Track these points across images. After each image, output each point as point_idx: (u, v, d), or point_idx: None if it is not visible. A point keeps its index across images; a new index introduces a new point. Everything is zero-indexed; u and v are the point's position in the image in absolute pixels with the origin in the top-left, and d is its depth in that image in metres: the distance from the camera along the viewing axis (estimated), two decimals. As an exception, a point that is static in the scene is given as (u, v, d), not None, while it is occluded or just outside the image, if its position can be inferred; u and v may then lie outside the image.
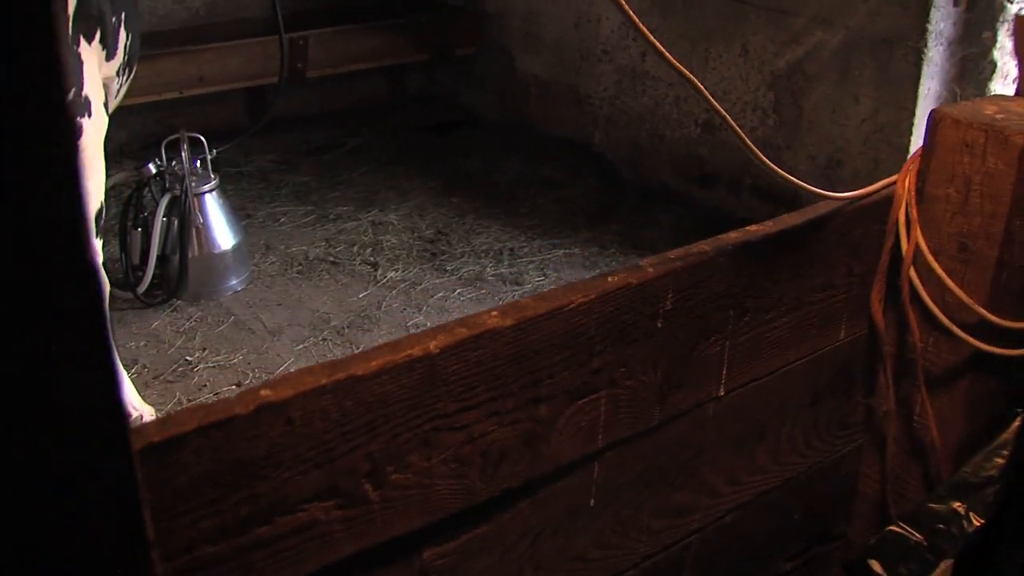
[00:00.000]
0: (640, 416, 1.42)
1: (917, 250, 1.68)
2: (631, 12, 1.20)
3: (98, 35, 3.09)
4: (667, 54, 1.23)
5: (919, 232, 1.68)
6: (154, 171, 4.35)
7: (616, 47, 5.13)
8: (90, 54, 3.06)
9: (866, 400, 1.81)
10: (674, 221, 4.85)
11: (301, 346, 4.08)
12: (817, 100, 4.35)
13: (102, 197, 3.25)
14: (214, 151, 4.51)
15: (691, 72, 4.33)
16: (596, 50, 5.23)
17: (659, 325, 1.38)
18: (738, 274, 1.47)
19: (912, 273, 1.69)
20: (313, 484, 1.13)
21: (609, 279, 1.32)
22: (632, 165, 5.22)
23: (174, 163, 4.38)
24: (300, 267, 4.75)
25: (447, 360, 1.18)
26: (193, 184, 4.36)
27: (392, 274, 4.66)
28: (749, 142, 1.40)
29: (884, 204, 1.69)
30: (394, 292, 4.51)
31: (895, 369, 1.75)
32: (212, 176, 4.45)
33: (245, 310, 4.37)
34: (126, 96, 5.06)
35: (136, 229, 4.30)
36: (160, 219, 4.22)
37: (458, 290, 4.52)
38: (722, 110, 1.34)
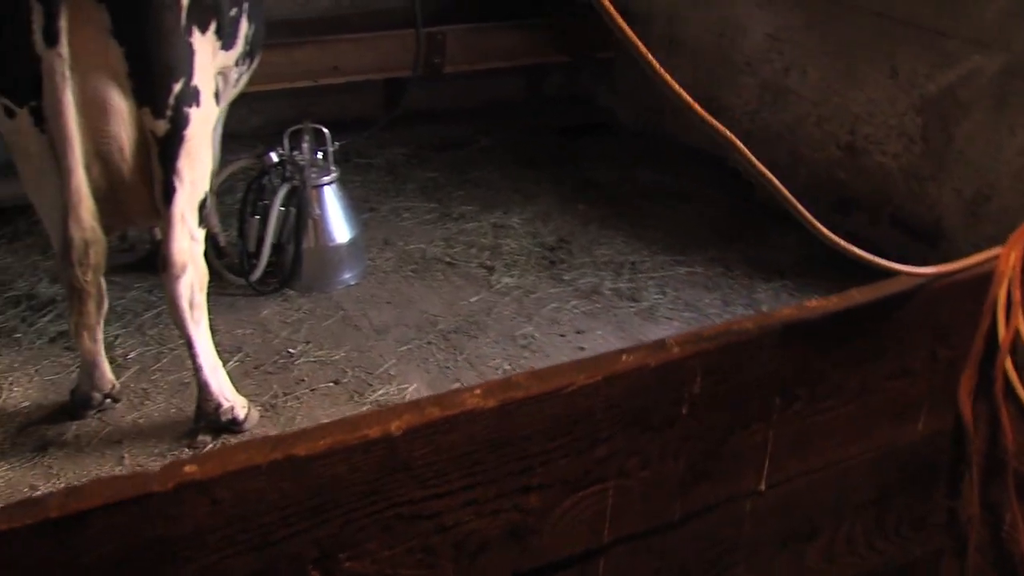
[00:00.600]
0: (657, 510, 1.25)
1: (1017, 337, 1.45)
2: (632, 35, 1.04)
3: (213, 26, 3.06)
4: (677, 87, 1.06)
5: (1022, 317, 1.45)
6: (275, 159, 4.35)
7: (760, 60, 4.88)
8: (203, 44, 3.04)
9: (949, 502, 1.58)
10: (804, 246, 4.58)
11: (405, 347, 4.01)
12: (969, 129, 4.02)
13: (207, 187, 3.24)
14: (336, 143, 4.48)
15: (833, 91, 4.09)
16: (739, 61, 4.99)
17: (684, 411, 1.21)
18: (787, 356, 1.28)
19: (1009, 364, 1.46)
20: (248, 568, 1.01)
21: (623, 358, 1.15)
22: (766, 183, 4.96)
23: (296, 153, 4.37)
24: (415, 265, 4.68)
25: (412, 443, 1.04)
26: (313, 175, 4.34)
27: (507, 280, 4.55)
28: (784, 190, 1.21)
29: (982, 281, 1.46)
30: (506, 299, 4.40)
31: (983, 471, 1.53)
32: (333, 168, 4.42)
33: (354, 305, 4.33)
34: (262, 82, 5.11)
35: (254, 216, 4.31)
36: (277, 208, 4.21)
37: (572, 302, 4.38)
38: (728, 133, 1.17)
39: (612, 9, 1.09)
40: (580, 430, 1.14)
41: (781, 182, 4.97)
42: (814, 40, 4.51)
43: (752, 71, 4.94)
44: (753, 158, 1.22)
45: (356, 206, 4.89)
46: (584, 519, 1.20)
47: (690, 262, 4.64)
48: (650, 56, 1.10)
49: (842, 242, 1.28)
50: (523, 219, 5.07)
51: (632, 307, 4.33)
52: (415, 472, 1.05)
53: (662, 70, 1.13)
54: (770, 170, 5.16)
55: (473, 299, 4.41)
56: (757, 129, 4.98)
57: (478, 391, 1.08)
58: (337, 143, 4.49)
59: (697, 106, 1.18)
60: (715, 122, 1.19)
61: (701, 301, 4.35)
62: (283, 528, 1.01)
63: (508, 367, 3.91)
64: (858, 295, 1.34)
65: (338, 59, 5.29)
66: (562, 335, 4.14)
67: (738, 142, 1.22)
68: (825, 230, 1.29)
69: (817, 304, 1.30)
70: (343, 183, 4.58)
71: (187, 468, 0.95)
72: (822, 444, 1.37)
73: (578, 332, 4.16)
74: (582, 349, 4.03)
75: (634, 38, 1.07)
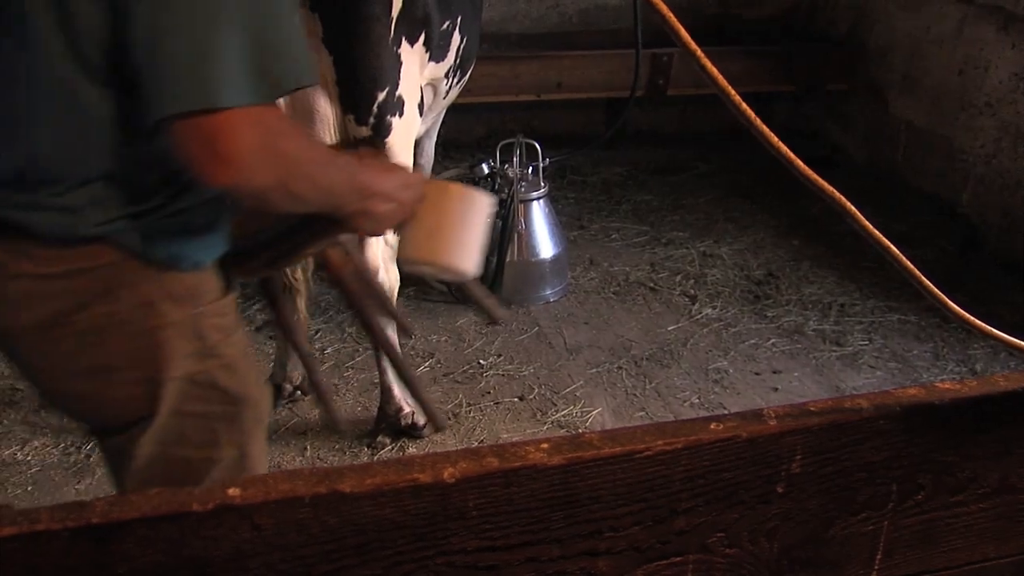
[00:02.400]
0: (745, 591, 1.17)
1: None
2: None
3: (422, 38, 3.11)
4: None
5: None
6: (486, 171, 4.41)
7: (1002, 100, 4.55)
8: (411, 56, 3.09)
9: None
10: (1031, 311, 4.23)
11: (594, 370, 3.98)
12: None
13: (405, 195, 3.30)
14: (548, 159, 4.50)
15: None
16: (979, 101, 4.67)
17: (779, 490, 1.11)
18: (909, 442, 1.16)
19: None
20: (290, 599, 1.00)
21: (711, 426, 1.07)
22: (999, 232, 4.61)
23: (506, 166, 4.41)
24: (617, 288, 4.64)
25: (465, 492, 1.00)
26: (521, 189, 4.37)
27: (708, 311, 4.45)
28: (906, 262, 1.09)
29: None
30: (705, 330, 4.30)
31: None
32: (542, 183, 4.44)
33: (550, 322, 4.34)
34: (487, 94, 5.20)
35: (460, 226, 4.37)
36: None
37: (772, 339, 4.23)
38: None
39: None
40: (656, 498, 1.07)
41: (1014, 231, 4.64)
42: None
43: (992, 112, 4.61)
44: (841, 197, 1.11)
45: (566, 223, 4.90)
46: (660, 591, 1.13)
47: (903, 309, 4.38)
48: (699, 51, 1.01)
49: (967, 315, 1.15)
50: (733, 250, 4.94)
51: (835, 351, 4.13)
52: (470, 522, 1.02)
53: (715, 70, 1.04)
54: (1003, 217, 4.87)
55: (671, 327, 4.33)
56: (992, 173, 4.65)
57: (544, 445, 1.03)
58: (548, 159, 4.51)
59: (765, 127, 1.08)
60: (785, 148, 1.09)
61: (910, 352, 4.10)
62: (325, 563, 0.99)
63: (696, 400, 3.81)
64: (1003, 381, 1.20)
65: (562, 75, 5.31)
66: (757, 373, 4.00)
67: (843, 199, 1.12)
68: (951, 304, 1.16)
69: (949, 387, 1.17)
70: (555, 199, 4.59)
71: (229, 491, 0.95)
72: (949, 542, 1.23)
73: (774, 372, 4.01)
74: (775, 390, 3.87)
75: (681, 30, 0.99)
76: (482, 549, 1.04)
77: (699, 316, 4.42)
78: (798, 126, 5.96)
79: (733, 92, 1.07)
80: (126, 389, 1.57)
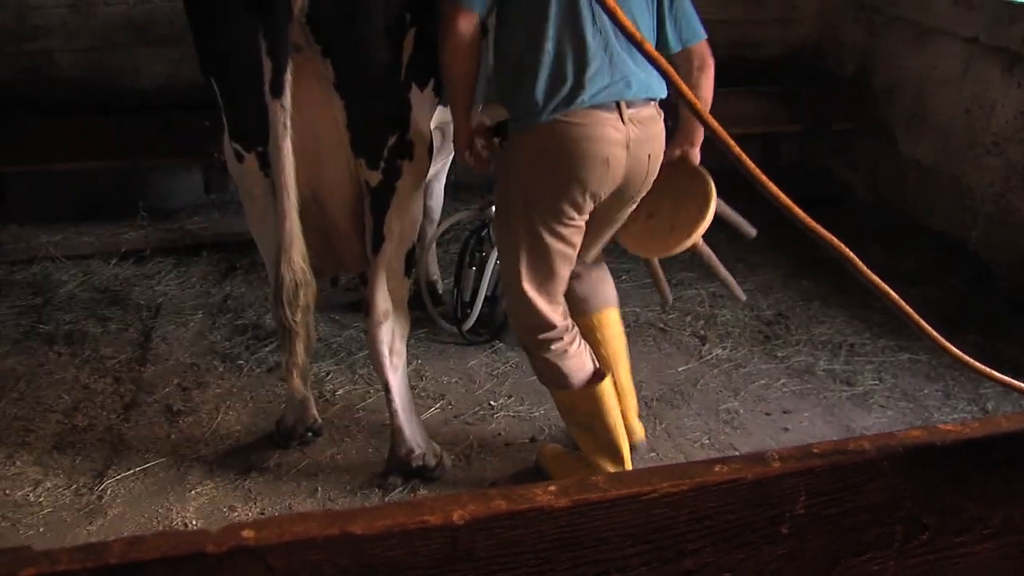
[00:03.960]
0: (752, 632, 1.18)
1: None
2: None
3: (432, 82, 3.16)
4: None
5: None
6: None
7: (1009, 139, 4.57)
8: (421, 100, 3.14)
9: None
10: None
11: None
12: None
13: (415, 237, 3.33)
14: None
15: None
16: (986, 140, 4.70)
17: (783, 531, 1.13)
18: (913, 483, 1.17)
19: None
20: (303, 641, 1.02)
21: (716, 468, 1.09)
22: (1009, 272, 4.63)
23: (516, 208, 4.43)
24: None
25: (474, 534, 1.02)
26: (530, 231, 4.39)
27: (718, 351, 4.46)
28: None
29: None
30: (715, 371, 4.31)
31: None
32: (552, 225, 4.46)
33: (561, 363, 4.34)
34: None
35: (471, 268, 4.40)
36: (494, 261, 4.29)
37: (782, 380, 4.24)
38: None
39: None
40: (663, 539, 1.09)
41: None
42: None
43: (1000, 150, 4.64)
44: (837, 242, 1.13)
45: (575, 265, 4.90)
46: (668, 631, 1.14)
47: (914, 349, 4.39)
48: (670, 67, 1.03)
49: (965, 357, 1.17)
50: (743, 290, 4.95)
51: (846, 391, 4.13)
52: (478, 563, 1.03)
53: (691, 94, 1.06)
54: (1012, 256, 4.91)
55: (681, 368, 4.34)
56: (1000, 212, 4.67)
57: (552, 488, 1.05)
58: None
59: (764, 176, 1.10)
60: (778, 190, 1.11)
61: (921, 391, 4.10)
62: (338, 603, 1.01)
63: (707, 441, 3.82)
64: (1005, 422, 1.21)
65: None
66: (767, 413, 4.01)
67: (835, 239, 1.14)
68: (969, 359, 1.18)
69: (952, 428, 1.18)
70: (563, 241, 4.61)
71: (244, 533, 0.97)
72: (956, 582, 1.25)
73: (784, 412, 4.02)
74: (786, 430, 3.88)
75: (637, 34, 1.02)
76: (492, 589, 1.06)
77: (709, 357, 4.43)
78: (806, 165, 6.00)
79: (734, 144, 1.09)
80: None
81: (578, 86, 2.86)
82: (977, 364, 1.20)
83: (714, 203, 3.19)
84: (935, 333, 1.19)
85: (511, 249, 3.11)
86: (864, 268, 1.18)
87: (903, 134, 5.33)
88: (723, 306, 4.82)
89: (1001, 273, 4.68)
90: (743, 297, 3.70)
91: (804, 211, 5.11)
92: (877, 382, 4.19)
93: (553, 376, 3.26)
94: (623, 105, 2.92)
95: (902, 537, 1.19)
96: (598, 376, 3.26)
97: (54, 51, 5.28)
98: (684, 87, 1.16)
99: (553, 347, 3.19)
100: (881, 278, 4.86)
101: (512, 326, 3.34)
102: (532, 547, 1.04)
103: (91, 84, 5.31)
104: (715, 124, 1.13)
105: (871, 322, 4.62)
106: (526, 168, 2.99)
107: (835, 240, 1.17)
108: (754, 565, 1.14)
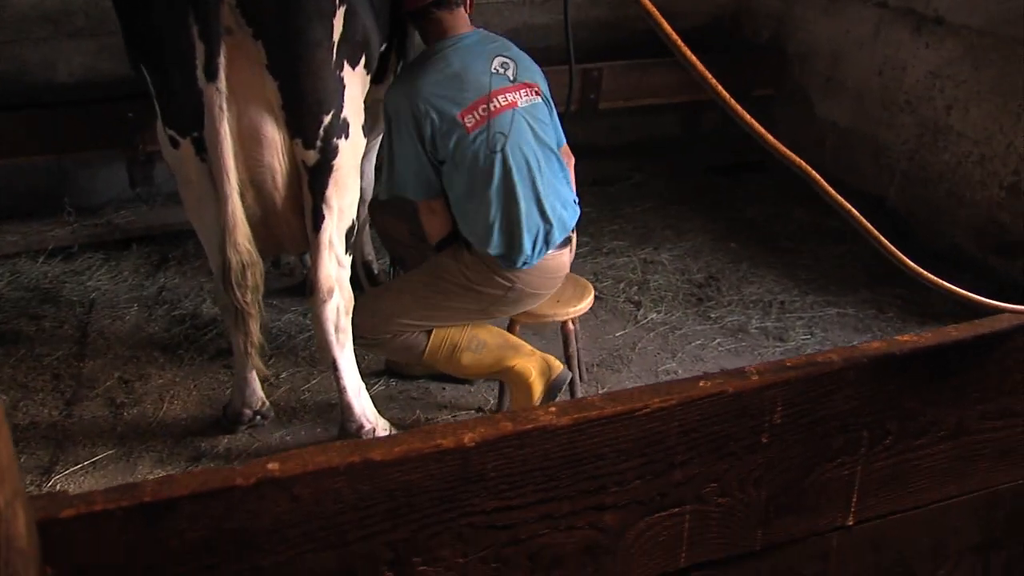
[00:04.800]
0: (737, 538, 1.26)
1: None
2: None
3: (363, 60, 3.19)
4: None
5: None
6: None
7: (920, 98, 4.75)
8: (353, 78, 3.16)
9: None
10: (965, 290, 4.42)
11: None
12: None
13: (355, 215, 3.36)
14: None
15: (997, 130, 3.91)
16: (899, 100, 4.87)
17: (764, 440, 1.21)
18: (876, 391, 1.26)
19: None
20: (325, 565, 1.07)
21: (700, 384, 1.17)
22: (926, 225, 4.81)
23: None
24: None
25: (484, 455, 1.08)
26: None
27: (653, 315, 4.56)
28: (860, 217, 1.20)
29: (1097, 324, 1.41)
30: (652, 334, 4.41)
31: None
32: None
33: (503, 337, 4.40)
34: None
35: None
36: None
37: (717, 339, 4.36)
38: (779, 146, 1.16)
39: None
40: (654, 453, 1.16)
41: (939, 223, 4.87)
42: (978, 78, 4.38)
43: (912, 109, 4.81)
44: (838, 196, 1.22)
45: (507, 238, 4.97)
46: (660, 542, 1.22)
47: (841, 303, 4.55)
48: (689, 52, 1.11)
49: (939, 280, 1.27)
50: (673, 255, 5.07)
51: (779, 347, 4.27)
52: (488, 483, 1.10)
53: (706, 71, 1.14)
54: (928, 210, 5.09)
55: (618, 333, 4.44)
56: (915, 168, 4.85)
57: (552, 409, 1.12)
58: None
59: (763, 131, 1.18)
60: (781, 146, 1.19)
61: (850, 343, 4.23)
62: (359, 529, 1.06)
63: (649, 402, 3.91)
64: (954, 332, 1.31)
65: (495, 94, 5.39)
66: (705, 373, 4.11)
67: (832, 189, 1.22)
68: (923, 271, 1.27)
69: (908, 339, 1.28)
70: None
71: (270, 465, 1.02)
72: (916, 483, 1.34)
73: (722, 370, 4.13)
74: (724, 387, 3.99)
75: (672, 33, 1.09)
76: (500, 509, 1.12)
77: (645, 321, 4.53)
78: (728, 133, 6.13)
79: (735, 104, 1.16)
80: None
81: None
82: (943, 282, 1.29)
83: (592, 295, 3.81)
84: (905, 258, 1.28)
85: (413, 295, 3.48)
86: (842, 200, 1.25)
87: (820, 98, 5.49)
88: (655, 271, 4.92)
89: (919, 226, 4.86)
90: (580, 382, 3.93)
91: (727, 177, 5.29)
92: (808, 336, 4.33)
93: (407, 349, 3.56)
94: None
95: (868, 442, 1.29)
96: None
97: (-34, 47, 5.18)
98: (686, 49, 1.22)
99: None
100: (806, 238, 4.98)
101: (359, 326, 3.48)
102: (536, 465, 1.11)
103: (6, 79, 5.21)
104: (711, 79, 1.19)
105: (799, 280, 4.77)
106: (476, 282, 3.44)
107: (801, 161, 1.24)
108: (738, 474, 1.22)
